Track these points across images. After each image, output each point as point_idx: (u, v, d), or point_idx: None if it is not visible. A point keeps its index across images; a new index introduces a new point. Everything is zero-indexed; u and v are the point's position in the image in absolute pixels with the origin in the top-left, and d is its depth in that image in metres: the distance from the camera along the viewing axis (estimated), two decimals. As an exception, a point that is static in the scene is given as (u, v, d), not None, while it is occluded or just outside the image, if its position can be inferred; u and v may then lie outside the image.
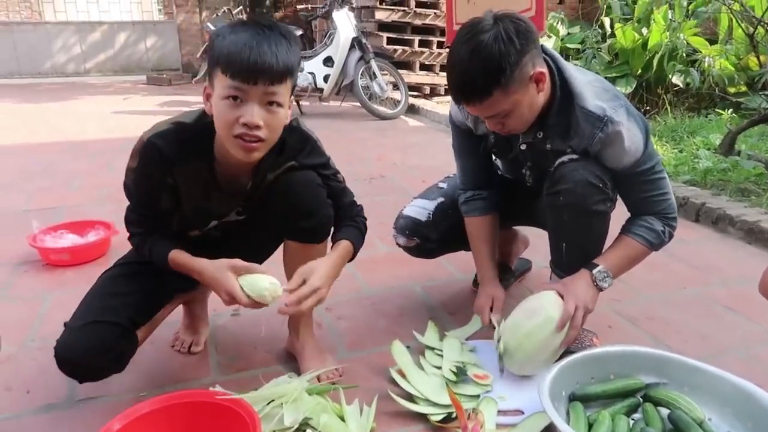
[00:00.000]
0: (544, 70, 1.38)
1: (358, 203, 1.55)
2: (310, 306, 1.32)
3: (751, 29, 3.21)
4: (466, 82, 1.33)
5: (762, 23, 3.13)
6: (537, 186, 1.64)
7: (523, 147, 1.58)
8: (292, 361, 1.61)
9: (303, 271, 1.33)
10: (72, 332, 1.30)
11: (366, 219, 1.55)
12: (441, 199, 1.82)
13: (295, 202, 1.38)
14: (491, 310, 1.67)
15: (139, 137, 1.31)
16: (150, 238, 1.39)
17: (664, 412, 1.31)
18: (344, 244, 1.45)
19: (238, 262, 1.32)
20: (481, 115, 1.42)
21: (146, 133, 1.31)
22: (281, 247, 1.53)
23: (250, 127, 1.19)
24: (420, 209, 1.81)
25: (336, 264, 1.41)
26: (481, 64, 1.29)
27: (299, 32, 6.12)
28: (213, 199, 1.41)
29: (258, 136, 1.21)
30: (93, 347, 1.28)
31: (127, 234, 1.43)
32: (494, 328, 1.59)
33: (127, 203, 1.42)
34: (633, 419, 1.33)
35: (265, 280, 1.29)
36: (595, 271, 1.50)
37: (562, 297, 1.47)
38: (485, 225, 1.75)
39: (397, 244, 1.86)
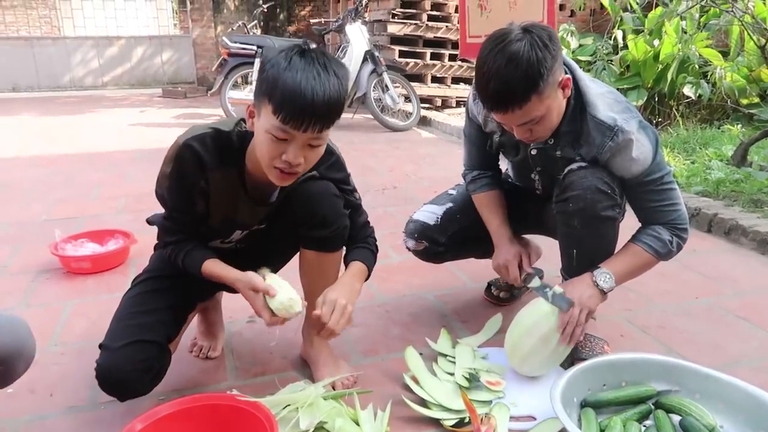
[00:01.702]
0: (568, 76, 1.42)
1: (370, 225, 1.58)
2: (342, 325, 1.34)
3: (763, 41, 3.22)
4: (505, 89, 1.33)
5: (773, 35, 3.15)
6: (546, 193, 1.67)
7: (534, 152, 1.61)
8: (307, 368, 1.64)
9: (321, 299, 1.35)
10: (113, 353, 1.31)
11: (376, 241, 1.58)
12: (450, 205, 1.86)
13: (312, 211, 1.41)
14: (520, 267, 1.69)
15: (174, 141, 1.33)
16: (184, 248, 1.41)
17: (676, 419, 1.33)
18: (358, 266, 1.47)
19: (258, 282, 1.33)
20: (514, 123, 1.42)
21: (182, 136, 1.32)
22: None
23: (291, 165, 1.23)
24: (429, 213, 1.85)
25: (353, 282, 1.43)
26: (522, 71, 1.30)
27: (313, 46, 6.19)
28: (240, 208, 1.43)
29: (297, 171, 1.26)
30: (137, 368, 1.31)
31: (161, 244, 1.45)
32: (527, 281, 1.66)
33: (146, 212, 1.46)
34: (644, 426, 1.34)
35: (284, 295, 1.31)
36: (596, 272, 1.53)
37: None
38: (493, 198, 1.80)
39: (407, 247, 1.89)
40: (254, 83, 5.68)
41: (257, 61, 5.78)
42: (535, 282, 1.63)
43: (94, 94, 9.64)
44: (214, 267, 1.39)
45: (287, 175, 1.26)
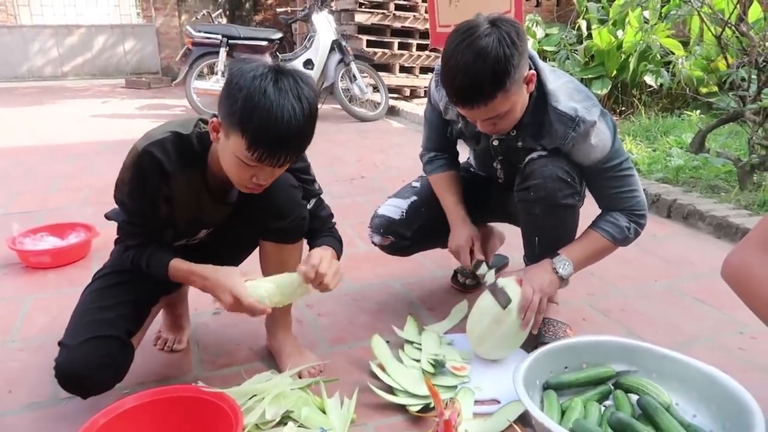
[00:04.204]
0: (533, 71, 1.43)
1: (333, 218, 1.59)
2: (336, 281, 1.38)
3: (719, 31, 3.30)
4: (472, 86, 1.33)
5: (729, 25, 3.22)
6: (508, 181, 1.70)
7: (496, 143, 1.63)
8: (273, 358, 1.63)
9: (316, 256, 1.37)
10: (72, 350, 1.29)
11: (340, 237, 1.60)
12: (414, 198, 1.86)
13: (269, 202, 1.40)
14: (471, 252, 1.71)
15: (132, 147, 1.30)
16: (147, 250, 1.37)
17: (634, 398, 1.36)
18: (331, 252, 1.46)
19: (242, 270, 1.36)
20: (479, 118, 1.43)
21: (140, 142, 1.29)
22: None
23: (262, 186, 1.26)
24: (394, 208, 1.85)
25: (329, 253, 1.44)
26: (489, 68, 1.30)
27: (279, 35, 6.13)
28: (204, 207, 1.42)
29: (264, 188, 1.28)
30: (98, 364, 1.29)
31: (122, 248, 1.41)
32: (476, 268, 1.67)
33: (109, 205, 1.43)
34: (604, 406, 1.38)
35: (265, 284, 1.33)
36: (555, 259, 1.57)
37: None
38: (449, 178, 1.83)
39: (373, 242, 1.89)
40: (219, 74, 5.65)
41: (222, 51, 5.70)
42: (483, 269, 1.66)
43: (54, 85, 9.37)
44: (181, 265, 1.36)
45: (255, 190, 1.29)
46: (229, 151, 1.21)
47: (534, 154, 1.52)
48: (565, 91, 1.48)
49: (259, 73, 1.15)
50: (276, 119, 1.13)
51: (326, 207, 1.58)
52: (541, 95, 1.49)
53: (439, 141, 1.84)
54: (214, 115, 1.26)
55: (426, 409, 1.40)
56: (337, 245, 1.52)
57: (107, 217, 1.58)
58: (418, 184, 1.92)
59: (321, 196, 1.56)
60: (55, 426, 1.39)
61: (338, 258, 1.50)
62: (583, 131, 1.45)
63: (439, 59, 1.43)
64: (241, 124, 1.15)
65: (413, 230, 1.84)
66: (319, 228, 1.53)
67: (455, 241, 1.74)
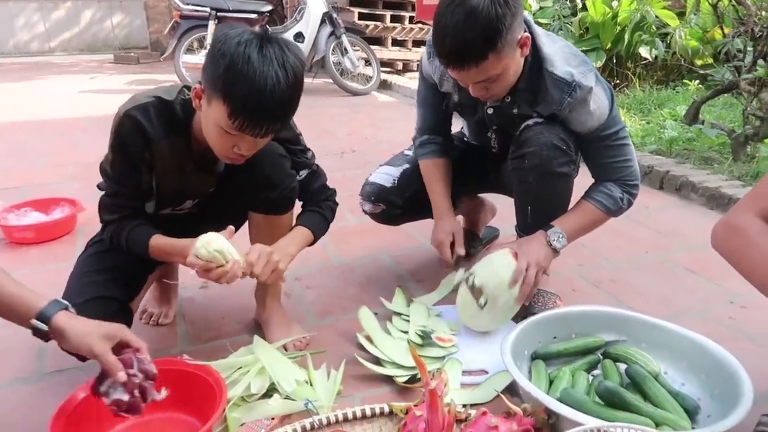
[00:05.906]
0: (528, 34, 1.39)
1: (331, 187, 1.55)
2: (266, 272, 1.30)
3: (715, 0, 3.25)
4: (463, 46, 1.30)
5: (725, -7, 3.18)
6: (502, 151, 1.67)
7: (490, 111, 1.60)
8: (260, 331, 1.61)
9: (256, 249, 1.32)
10: (75, 309, 1.25)
11: (336, 204, 1.55)
12: (406, 166, 1.84)
13: (257, 172, 1.37)
14: (452, 245, 1.69)
15: (116, 112, 1.27)
16: (127, 225, 1.34)
17: (623, 367, 1.36)
18: (301, 231, 1.45)
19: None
20: (471, 81, 1.40)
21: (123, 106, 1.27)
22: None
23: (244, 156, 1.23)
24: (385, 176, 1.82)
25: (289, 245, 1.40)
26: (480, 27, 1.27)
27: (269, 8, 6.01)
28: (188, 178, 1.39)
29: (247, 158, 1.25)
30: None
31: (102, 225, 1.39)
32: (456, 263, 1.66)
33: (95, 180, 1.40)
34: (593, 375, 1.37)
35: (215, 239, 1.24)
36: (549, 231, 1.54)
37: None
38: (439, 166, 1.79)
39: (364, 210, 1.87)
40: (209, 47, 5.54)
41: (211, 24, 5.59)
42: (459, 276, 1.67)
43: (41, 60, 9.20)
44: (160, 240, 1.33)
45: (240, 159, 1.26)
46: (211, 119, 1.19)
47: (530, 122, 1.49)
48: (561, 55, 1.45)
49: (244, 39, 1.12)
50: (259, 87, 1.11)
51: (320, 176, 1.53)
52: (536, 60, 1.45)
53: (434, 121, 1.80)
54: (199, 82, 1.22)
55: (413, 380, 1.39)
56: (320, 223, 1.49)
57: (99, 187, 1.55)
58: (410, 153, 1.88)
59: (315, 168, 1.52)
60: (39, 400, 1.37)
61: (314, 238, 1.47)
62: (579, 97, 1.42)
63: (431, 32, 1.39)
64: (223, 91, 1.12)
65: (405, 198, 1.81)
66: (310, 199, 1.51)
67: (435, 237, 1.73)
